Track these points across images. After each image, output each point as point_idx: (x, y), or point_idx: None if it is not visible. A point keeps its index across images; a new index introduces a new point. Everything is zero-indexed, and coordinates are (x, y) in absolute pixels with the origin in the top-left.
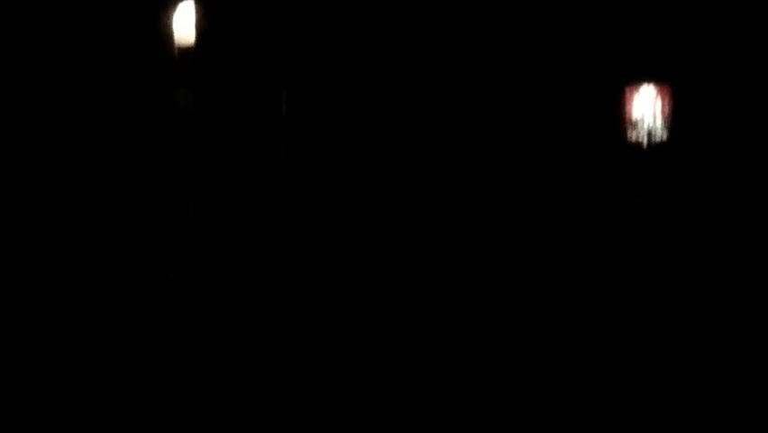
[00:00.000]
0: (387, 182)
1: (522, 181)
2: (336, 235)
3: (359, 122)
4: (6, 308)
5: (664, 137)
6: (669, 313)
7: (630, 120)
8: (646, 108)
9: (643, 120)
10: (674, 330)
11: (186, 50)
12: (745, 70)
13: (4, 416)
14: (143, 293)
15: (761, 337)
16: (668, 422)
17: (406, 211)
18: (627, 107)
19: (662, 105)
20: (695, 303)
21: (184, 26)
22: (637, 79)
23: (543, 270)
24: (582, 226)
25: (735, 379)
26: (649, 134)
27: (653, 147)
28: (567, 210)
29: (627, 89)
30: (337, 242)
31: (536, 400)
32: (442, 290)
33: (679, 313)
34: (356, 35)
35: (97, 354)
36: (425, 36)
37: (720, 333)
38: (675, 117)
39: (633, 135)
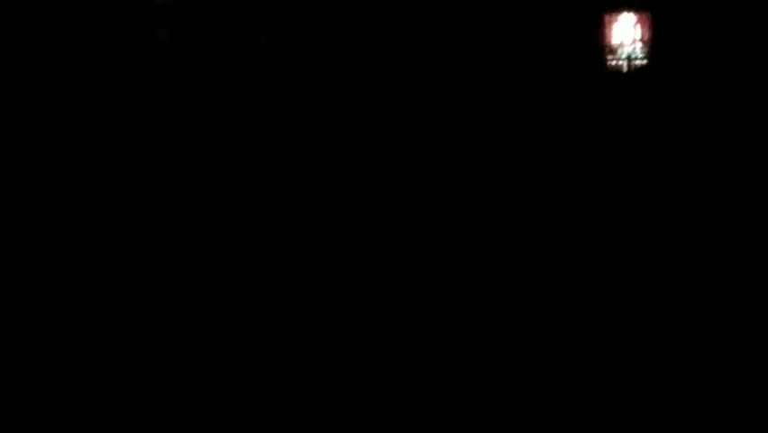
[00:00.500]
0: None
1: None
2: (335, 235)
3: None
4: (7, 308)
5: (644, 63)
6: (668, 312)
7: (610, 47)
8: (626, 35)
9: (622, 46)
10: (674, 330)
11: None
12: None
13: (5, 416)
14: (143, 293)
15: (760, 336)
16: (668, 421)
17: (394, 172)
18: (607, 34)
19: (642, 32)
20: (694, 302)
21: None
22: (616, 7)
23: (542, 268)
24: (580, 214)
25: (734, 378)
26: (629, 60)
27: (633, 73)
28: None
29: (606, 17)
30: (336, 242)
31: (536, 399)
32: (441, 289)
33: (678, 312)
34: None
35: (98, 353)
36: None
37: (720, 332)
38: (655, 44)
39: (612, 62)
